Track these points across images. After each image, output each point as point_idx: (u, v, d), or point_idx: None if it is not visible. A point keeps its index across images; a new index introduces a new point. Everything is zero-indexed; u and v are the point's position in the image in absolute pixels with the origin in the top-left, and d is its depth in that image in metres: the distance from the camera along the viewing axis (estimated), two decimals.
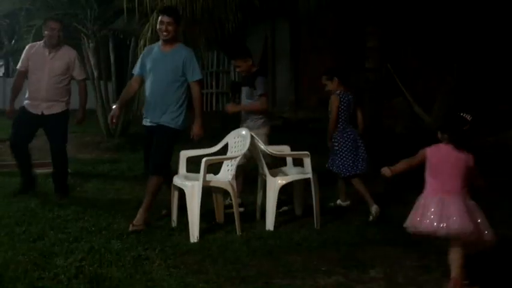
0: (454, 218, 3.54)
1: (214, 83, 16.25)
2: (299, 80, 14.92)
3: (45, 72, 5.79)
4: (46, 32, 5.81)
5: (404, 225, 3.78)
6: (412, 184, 5.43)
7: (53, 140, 5.95)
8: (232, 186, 4.77)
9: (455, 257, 3.57)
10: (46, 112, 5.82)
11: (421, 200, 3.75)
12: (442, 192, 3.68)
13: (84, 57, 11.01)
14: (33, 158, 6.23)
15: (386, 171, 3.90)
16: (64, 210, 5.27)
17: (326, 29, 13.39)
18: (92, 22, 10.22)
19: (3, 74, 20.33)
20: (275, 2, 9.19)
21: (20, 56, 6.06)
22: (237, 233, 4.66)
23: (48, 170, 7.23)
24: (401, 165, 3.94)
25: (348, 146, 5.50)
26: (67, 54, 5.92)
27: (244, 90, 5.66)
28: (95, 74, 10.68)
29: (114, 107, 5.15)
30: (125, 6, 7.43)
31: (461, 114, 3.85)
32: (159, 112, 4.95)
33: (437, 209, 3.61)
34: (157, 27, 5.03)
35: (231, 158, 4.94)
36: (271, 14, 13.33)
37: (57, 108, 5.86)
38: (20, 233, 4.52)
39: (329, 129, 5.56)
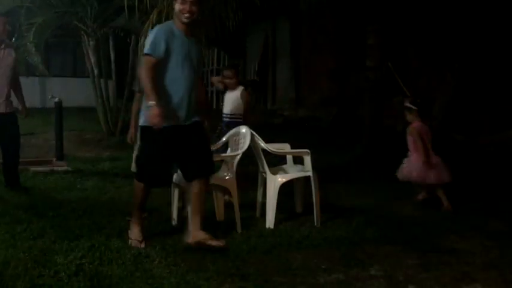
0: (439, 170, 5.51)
1: None
2: (299, 78, 14.93)
3: (4, 69, 5.64)
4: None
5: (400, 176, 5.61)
6: (411, 184, 5.44)
7: (11, 140, 5.81)
8: (232, 184, 4.76)
9: (442, 192, 5.55)
10: (8, 110, 5.65)
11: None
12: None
13: (84, 55, 11.05)
14: (32, 156, 6.22)
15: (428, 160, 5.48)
16: (64, 208, 5.27)
17: (326, 27, 13.40)
18: (92, 20, 10.24)
19: None
20: (276, 0, 9.17)
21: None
22: (237, 231, 4.66)
23: (49, 168, 7.28)
24: (424, 150, 5.51)
25: None
26: (11, 50, 5.79)
27: None
28: (95, 72, 10.69)
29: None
30: (126, 4, 7.42)
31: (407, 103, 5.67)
32: (193, 110, 4.31)
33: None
34: (178, 7, 4.12)
35: (231, 156, 4.93)
36: (272, 13, 13.33)
37: (12, 105, 5.73)
38: (20, 231, 4.51)
39: (249, 121, 5.63)
